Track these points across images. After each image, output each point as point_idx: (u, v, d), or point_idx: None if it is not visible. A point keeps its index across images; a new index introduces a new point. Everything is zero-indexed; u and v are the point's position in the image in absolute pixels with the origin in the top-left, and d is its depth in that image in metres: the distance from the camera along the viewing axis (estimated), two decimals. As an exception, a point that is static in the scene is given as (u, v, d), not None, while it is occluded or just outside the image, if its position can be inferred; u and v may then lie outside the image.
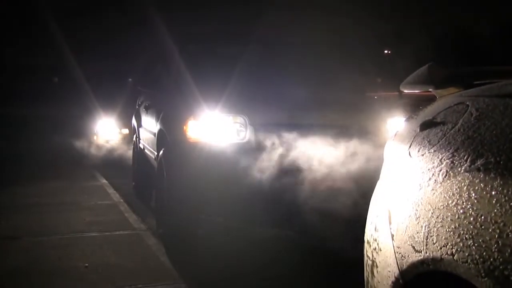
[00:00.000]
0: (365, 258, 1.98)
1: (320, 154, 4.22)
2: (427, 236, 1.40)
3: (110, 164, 10.31)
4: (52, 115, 14.09)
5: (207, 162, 4.39)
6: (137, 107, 7.72)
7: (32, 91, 16.15)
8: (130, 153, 8.90)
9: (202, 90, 4.76)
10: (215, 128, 4.44)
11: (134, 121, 7.84)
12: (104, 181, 8.84)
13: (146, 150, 6.59)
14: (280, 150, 4.36)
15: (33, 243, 4.97)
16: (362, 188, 3.84)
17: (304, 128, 4.36)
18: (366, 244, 1.99)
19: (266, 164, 4.35)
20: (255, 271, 4.23)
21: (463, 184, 1.33)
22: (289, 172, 4.31)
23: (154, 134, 5.73)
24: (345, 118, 4.53)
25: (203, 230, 5.11)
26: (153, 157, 5.79)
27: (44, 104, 14.65)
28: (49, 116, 14.20)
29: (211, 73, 5.22)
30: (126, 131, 11.26)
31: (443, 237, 1.32)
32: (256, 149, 4.44)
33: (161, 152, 5.13)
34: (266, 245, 5.04)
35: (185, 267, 4.36)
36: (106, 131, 11.51)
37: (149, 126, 6.32)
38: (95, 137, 11.73)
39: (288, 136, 4.34)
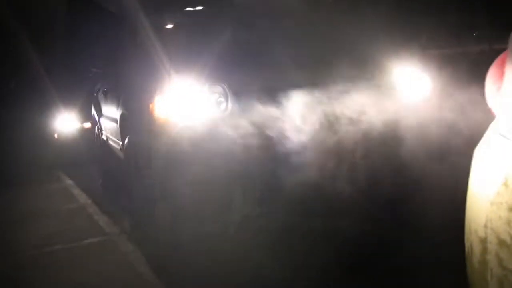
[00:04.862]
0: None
1: (325, 121, 3.42)
2: None
3: (75, 162, 9.38)
4: (6, 116, 12.99)
5: (182, 145, 3.54)
6: (95, 94, 6.80)
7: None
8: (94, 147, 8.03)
9: (169, 59, 3.89)
10: (190, 102, 3.59)
11: (93, 111, 6.94)
12: (69, 181, 7.95)
13: (110, 141, 5.70)
14: (272, 123, 3.54)
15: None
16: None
17: (300, 90, 3.54)
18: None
19: (257, 141, 3.54)
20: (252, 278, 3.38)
21: None
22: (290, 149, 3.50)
23: (117, 121, 4.86)
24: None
25: (188, 230, 4.21)
26: (118, 148, 4.92)
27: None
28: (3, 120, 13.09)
29: (179, 39, 4.36)
30: (89, 125, 10.35)
31: None
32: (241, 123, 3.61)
33: (126, 141, 4.27)
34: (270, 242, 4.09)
35: (170, 278, 3.52)
36: (66, 127, 10.58)
37: (110, 113, 5.43)
38: (56, 135, 10.80)
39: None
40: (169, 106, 3.59)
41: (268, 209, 3.87)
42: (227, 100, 3.56)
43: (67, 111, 10.62)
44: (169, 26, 4.63)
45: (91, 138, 9.04)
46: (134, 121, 4.22)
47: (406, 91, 4.03)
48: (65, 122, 10.68)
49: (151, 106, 3.66)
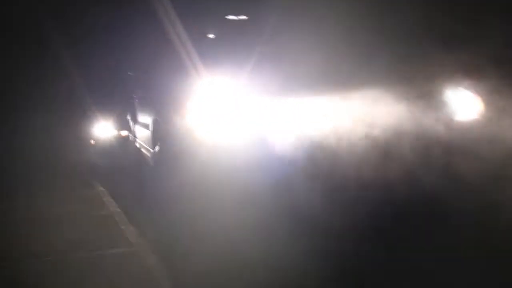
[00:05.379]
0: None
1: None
2: None
3: (109, 169, 9.34)
4: (44, 122, 13.14)
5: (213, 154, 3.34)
6: (131, 101, 6.71)
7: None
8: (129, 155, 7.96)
9: (203, 66, 3.72)
10: (221, 106, 3.39)
11: (129, 118, 6.84)
12: (101, 188, 7.87)
13: (142, 149, 5.57)
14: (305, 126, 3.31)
15: (9, 269, 4.08)
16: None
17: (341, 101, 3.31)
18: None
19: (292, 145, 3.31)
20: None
21: None
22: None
23: (149, 128, 4.71)
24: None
25: (217, 240, 3.95)
26: (150, 156, 4.76)
27: (35, 113, 13.65)
28: (42, 126, 13.25)
29: (215, 47, 4.20)
30: (125, 132, 10.32)
31: None
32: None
33: (156, 148, 4.10)
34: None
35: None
36: (103, 134, 10.59)
37: (143, 120, 5.30)
38: (92, 141, 10.84)
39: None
40: (200, 112, 3.41)
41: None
42: (260, 108, 3.36)
43: (105, 117, 10.64)
44: (205, 34, 4.49)
45: (126, 145, 9.00)
46: (166, 128, 4.06)
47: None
48: (103, 129, 10.69)
49: (183, 113, 3.49)
